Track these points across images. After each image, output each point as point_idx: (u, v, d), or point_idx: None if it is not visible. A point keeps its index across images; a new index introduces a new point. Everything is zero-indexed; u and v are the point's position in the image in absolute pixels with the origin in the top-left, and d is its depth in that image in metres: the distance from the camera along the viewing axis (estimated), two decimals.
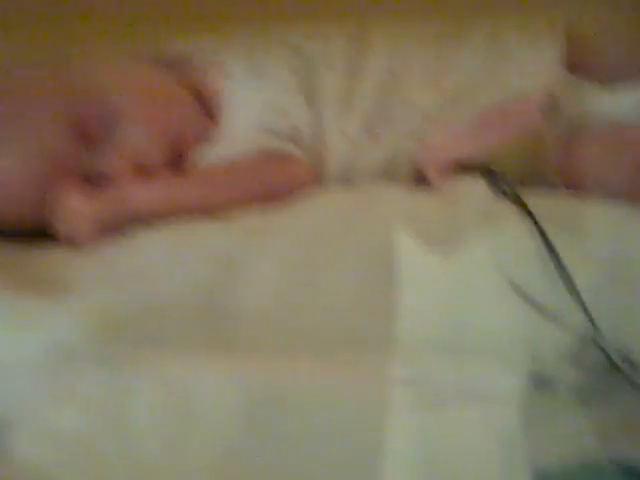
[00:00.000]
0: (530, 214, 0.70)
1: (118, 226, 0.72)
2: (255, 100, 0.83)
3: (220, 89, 0.84)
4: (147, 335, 0.62)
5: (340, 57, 0.85)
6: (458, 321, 0.64)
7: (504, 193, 0.74)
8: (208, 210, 0.73)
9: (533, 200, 0.72)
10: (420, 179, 0.81)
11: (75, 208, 0.73)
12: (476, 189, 0.75)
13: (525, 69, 0.84)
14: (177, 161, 0.80)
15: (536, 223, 0.69)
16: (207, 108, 0.85)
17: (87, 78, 0.79)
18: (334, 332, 0.63)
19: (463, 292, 0.65)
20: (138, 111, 0.79)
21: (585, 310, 0.64)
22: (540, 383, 0.62)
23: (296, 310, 0.64)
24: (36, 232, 0.75)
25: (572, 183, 0.78)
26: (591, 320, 0.63)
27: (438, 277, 0.65)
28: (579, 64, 0.85)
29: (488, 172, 0.77)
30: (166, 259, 0.67)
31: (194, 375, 0.60)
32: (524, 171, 0.80)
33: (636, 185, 0.76)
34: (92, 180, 0.76)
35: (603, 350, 0.63)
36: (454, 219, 0.70)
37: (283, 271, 0.65)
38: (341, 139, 0.82)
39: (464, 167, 0.79)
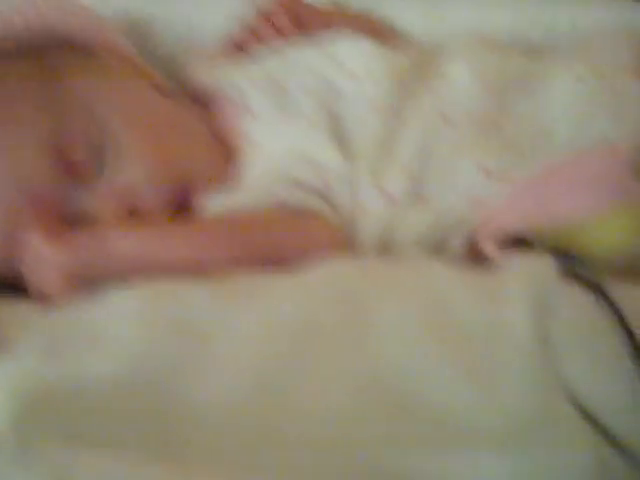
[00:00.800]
0: (616, 310, 0.53)
1: (91, 277, 0.60)
2: (281, 144, 0.69)
3: (243, 129, 0.72)
4: (83, 428, 0.48)
5: (382, 95, 0.70)
6: None
7: (579, 277, 0.57)
8: (201, 268, 0.60)
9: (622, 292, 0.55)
10: (473, 251, 0.66)
11: (45, 255, 0.61)
12: (541, 270, 0.57)
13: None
14: (178, 208, 0.67)
15: (622, 322, 0.52)
16: (226, 149, 0.73)
17: (80, 95, 0.67)
18: (312, 456, 0.47)
19: None
20: (138, 142, 0.67)
21: None
22: None
23: (267, 417, 0.48)
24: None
25: None
26: None
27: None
28: None
29: (561, 251, 0.61)
30: (125, 328, 0.53)
31: None
32: (620, 252, 0.63)
33: None
34: (72, 220, 0.64)
35: None
36: (499, 317, 0.53)
37: (261, 357, 0.50)
38: (379, 197, 0.67)
39: (529, 241, 0.63)
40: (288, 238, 0.64)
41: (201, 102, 0.80)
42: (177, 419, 0.48)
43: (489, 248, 0.64)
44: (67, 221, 0.64)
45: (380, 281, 0.55)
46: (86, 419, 0.49)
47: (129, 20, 0.90)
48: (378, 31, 0.82)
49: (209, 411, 0.49)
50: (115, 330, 0.53)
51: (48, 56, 0.70)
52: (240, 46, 0.80)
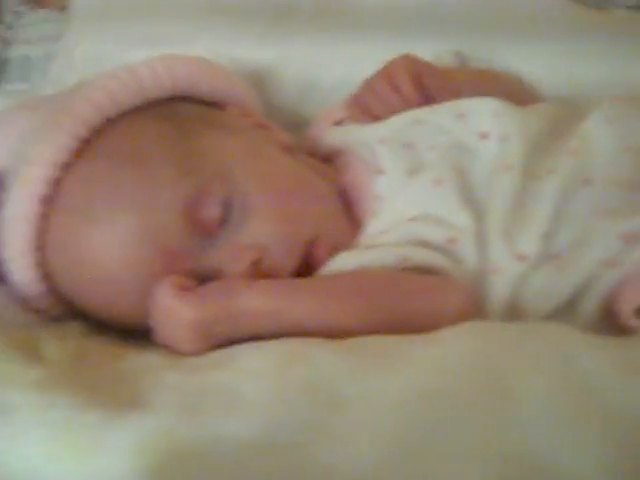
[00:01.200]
0: None
1: (221, 333, 0.61)
2: (409, 202, 0.69)
3: (370, 186, 0.72)
4: None
5: (515, 155, 0.69)
6: None
7: None
8: (329, 326, 0.60)
9: None
10: (607, 315, 0.63)
11: (176, 311, 0.61)
12: None
13: None
14: (303, 265, 0.67)
15: None
16: (350, 207, 0.73)
17: (212, 153, 0.68)
18: None
19: None
20: (265, 200, 0.67)
21: None
22: None
23: None
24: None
25: None
26: None
27: None
28: None
29: None
30: (260, 390, 0.53)
31: None
32: None
33: None
34: (199, 276, 0.65)
35: None
36: None
37: (397, 426, 0.48)
38: (511, 257, 0.65)
39: None
40: (418, 297, 0.63)
41: (324, 159, 0.80)
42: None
43: (627, 315, 0.61)
44: (195, 276, 0.65)
45: (519, 353, 0.53)
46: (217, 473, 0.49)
47: (247, 71, 0.92)
48: (505, 86, 0.81)
49: (342, 477, 0.47)
50: (250, 392, 0.53)
51: (180, 114, 0.72)
52: (362, 106, 0.79)
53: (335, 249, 0.67)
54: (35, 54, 1.17)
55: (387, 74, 0.79)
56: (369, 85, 0.80)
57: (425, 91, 0.78)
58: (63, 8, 1.26)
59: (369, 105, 0.79)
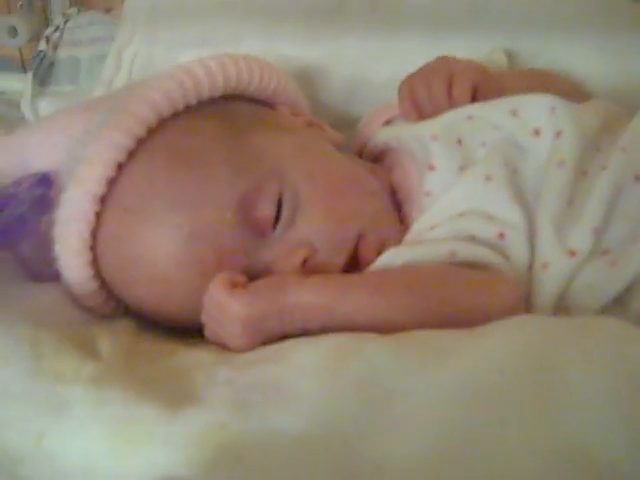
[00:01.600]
0: None
1: (273, 329, 0.61)
2: (457, 197, 0.68)
3: (421, 181, 0.72)
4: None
5: (567, 151, 0.68)
6: None
7: None
8: (380, 321, 0.59)
9: None
10: None
11: (229, 308, 0.61)
12: None
13: None
14: (352, 261, 0.67)
15: None
16: (399, 204, 0.73)
17: (264, 152, 0.69)
18: None
19: None
20: (316, 198, 0.67)
21: None
22: None
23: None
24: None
25: None
26: None
27: None
28: None
29: None
30: (311, 384, 0.53)
31: None
32: None
33: None
34: (251, 273, 0.65)
35: None
36: None
37: (448, 421, 0.48)
38: (562, 252, 0.64)
39: None
40: (467, 292, 0.62)
41: (373, 158, 0.81)
42: (360, 478, 0.48)
43: None
44: (246, 274, 0.65)
45: (572, 348, 0.52)
46: (272, 474, 0.50)
47: (295, 69, 0.92)
48: (556, 85, 0.80)
49: (392, 472, 0.47)
50: (300, 387, 0.53)
51: (233, 112, 0.72)
52: (416, 106, 0.78)
53: (382, 246, 0.67)
54: (83, 56, 1.19)
55: (449, 78, 0.77)
56: (427, 81, 0.78)
57: (478, 98, 0.77)
58: (109, 10, 1.28)
59: (421, 102, 0.78)
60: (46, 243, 0.69)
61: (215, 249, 0.65)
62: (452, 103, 0.76)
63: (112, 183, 0.67)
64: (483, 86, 0.76)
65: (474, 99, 0.76)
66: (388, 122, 0.83)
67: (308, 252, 0.65)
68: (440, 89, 0.76)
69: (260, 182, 0.66)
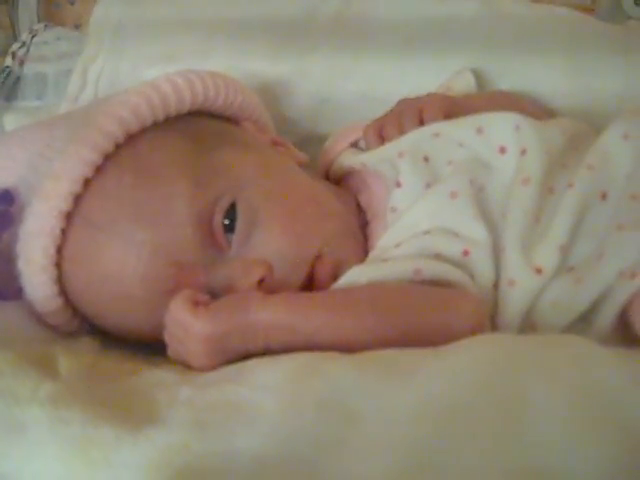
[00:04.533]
0: None
1: (234, 348, 0.60)
2: (422, 214, 0.68)
3: (384, 200, 0.72)
4: None
5: (533, 168, 0.68)
6: None
7: None
8: (341, 339, 0.59)
9: None
10: (622, 327, 0.62)
11: (190, 326, 0.60)
12: None
13: None
14: (310, 280, 0.67)
15: None
16: (365, 225, 0.73)
17: (226, 167, 0.68)
18: None
19: None
20: (275, 216, 0.67)
21: None
22: None
23: None
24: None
25: None
26: None
27: None
28: None
29: None
30: (272, 404, 0.52)
31: None
32: None
33: None
34: (212, 291, 0.64)
35: None
36: None
37: (412, 440, 0.47)
38: (527, 269, 0.64)
39: None
40: (431, 310, 0.62)
41: (338, 179, 0.81)
42: None
43: None
44: (208, 291, 0.64)
45: (535, 365, 0.52)
46: None
47: (261, 85, 0.92)
48: (520, 105, 0.80)
49: None
50: (261, 406, 0.52)
51: (198, 129, 0.72)
52: (382, 131, 0.78)
53: (339, 267, 0.67)
54: (50, 71, 1.18)
55: (418, 113, 0.77)
56: (398, 121, 0.78)
57: None
58: (78, 26, 1.28)
59: (387, 131, 0.78)
60: (8, 259, 0.68)
61: (175, 266, 0.64)
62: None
63: (78, 199, 0.66)
64: (454, 111, 0.77)
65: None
66: (354, 143, 0.82)
67: (265, 271, 0.65)
68: (413, 126, 0.76)
69: (217, 196, 0.66)
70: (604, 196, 0.66)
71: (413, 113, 0.77)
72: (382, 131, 0.78)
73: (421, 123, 0.77)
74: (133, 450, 0.51)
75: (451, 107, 0.78)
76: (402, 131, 0.77)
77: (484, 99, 0.84)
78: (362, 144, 0.82)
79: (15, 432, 0.53)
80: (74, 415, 0.53)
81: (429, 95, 0.80)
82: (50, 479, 0.51)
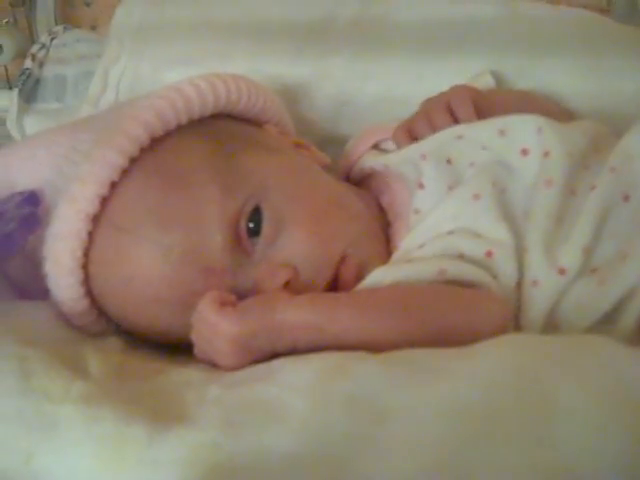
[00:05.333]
0: None
1: (261, 348, 0.61)
2: (445, 216, 0.69)
3: (407, 202, 0.72)
4: None
5: (556, 170, 0.69)
6: None
7: None
8: (368, 339, 0.59)
9: None
10: None
11: (218, 326, 0.61)
12: None
13: None
14: (336, 281, 0.68)
15: None
16: (388, 226, 0.74)
17: (251, 171, 0.69)
18: None
19: None
20: (299, 219, 0.68)
21: None
22: None
23: None
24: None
25: None
26: None
27: None
28: None
29: None
30: (301, 403, 0.53)
31: None
32: None
33: None
34: (241, 292, 0.65)
35: None
36: None
37: (441, 440, 0.48)
38: (551, 270, 0.65)
39: None
40: (456, 310, 0.62)
41: (360, 181, 0.81)
42: None
43: None
44: (235, 293, 0.65)
45: (562, 366, 0.52)
46: None
47: (282, 87, 0.93)
48: (544, 106, 0.81)
49: None
50: (290, 406, 0.53)
51: (222, 132, 0.73)
52: (412, 130, 0.79)
53: (363, 268, 0.67)
54: (69, 73, 1.19)
55: (447, 107, 0.78)
56: (427, 118, 0.79)
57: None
58: (94, 27, 1.29)
59: (417, 130, 0.79)
60: (34, 261, 0.69)
61: (204, 269, 0.65)
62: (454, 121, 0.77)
63: (105, 202, 0.67)
64: (480, 101, 0.77)
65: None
66: (376, 145, 0.83)
67: (290, 274, 0.66)
68: (444, 120, 0.77)
69: (245, 201, 0.67)
70: (626, 198, 0.67)
71: (441, 107, 0.78)
72: (412, 130, 0.79)
73: (451, 115, 0.77)
74: (165, 448, 0.52)
75: (477, 97, 0.78)
76: (433, 127, 0.77)
77: (506, 93, 0.85)
78: (384, 146, 0.83)
79: (48, 430, 0.54)
80: (106, 413, 0.55)
81: (453, 87, 0.81)
82: (83, 476, 0.52)
